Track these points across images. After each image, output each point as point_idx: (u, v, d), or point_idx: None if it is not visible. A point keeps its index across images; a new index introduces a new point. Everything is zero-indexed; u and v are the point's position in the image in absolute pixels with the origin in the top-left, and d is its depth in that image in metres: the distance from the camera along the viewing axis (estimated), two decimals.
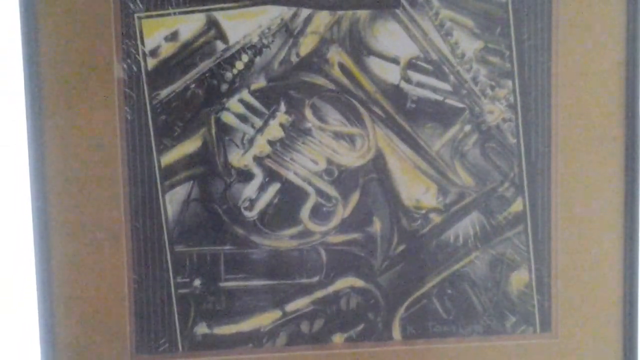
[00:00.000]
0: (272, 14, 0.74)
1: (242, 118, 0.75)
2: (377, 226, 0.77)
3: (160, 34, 0.73)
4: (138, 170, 0.74)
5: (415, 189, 0.77)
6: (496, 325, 0.79)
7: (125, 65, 0.73)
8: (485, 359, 0.79)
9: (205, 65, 0.74)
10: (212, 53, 0.74)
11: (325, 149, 0.76)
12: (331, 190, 0.76)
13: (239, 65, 0.74)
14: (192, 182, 0.75)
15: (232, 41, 0.74)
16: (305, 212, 0.76)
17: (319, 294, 0.77)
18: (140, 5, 0.72)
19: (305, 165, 0.76)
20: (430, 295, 0.78)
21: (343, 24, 0.75)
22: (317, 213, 0.76)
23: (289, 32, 0.74)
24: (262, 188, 0.76)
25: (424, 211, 0.77)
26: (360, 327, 0.78)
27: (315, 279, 0.77)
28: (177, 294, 0.76)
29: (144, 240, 0.74)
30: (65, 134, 0.73)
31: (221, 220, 0.75)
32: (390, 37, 0.75)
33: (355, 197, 0.77)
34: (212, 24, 0.73)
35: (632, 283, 0.78)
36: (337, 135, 0.76)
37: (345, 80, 0.75)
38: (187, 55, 0.73)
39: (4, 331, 0.77)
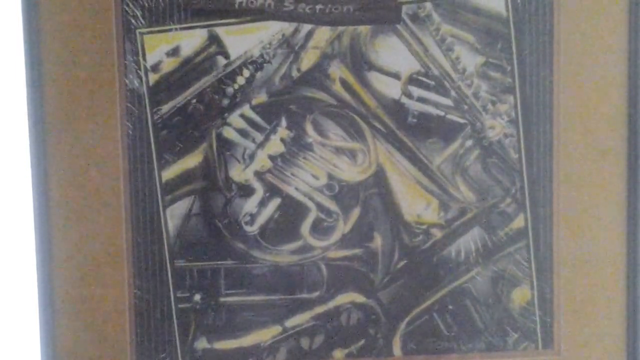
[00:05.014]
0: (273, 30, 0.74)
1: (243, 133, 0.75)
2: (378, 241, 0.77)
3: (161, 49, 0.73)
4: (139, 185, 0.74)
5: (416, 204, 0.77)
6: (498, 341, 0.78)
7: (127, 81, 0.73)
8: None
9: (206, 80, 0.74)
10: (213, 68, 0.74)
11: (326, 164, 0.76)
12: (332, 206, 0.76)
13: (240, 80, 0.74)
14: (193, 196, 0.75)
15: (233, 56, 0.74)
16: (305, 227, 0.76)
17: (320, 309, 0.77)
18: (142, 21, 0.73)
19: (306, 180, 0.76)
20: (432, 311, 0.78)
21: (344, 39, 0.75)
22: (318, 228, 0.76)
23: (290, 47, 0.74)
24: (263, 203, 0.76)
25: (425, 226, 0.77)
26: (361, 342, 0.78)
27: (316, 294, 0.77)
28: (177, 309, 0.76)
29: (144, 255, 0.75)
30: (67, 149, 0.73)
31: (222, 235, 0.75)
32: (391, 52, 0.75)
33: (356, 213, 0.76)
34: (214, 39, 0.74)
35: (636, 299, 0.78)
36: (338, 151, 0.76)
37: (346, 95, 0.75)
38: (188, 71, 0.74)
39: (5, 343, 0.77)
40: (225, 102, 0.74)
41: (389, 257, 0.77)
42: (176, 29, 0.73)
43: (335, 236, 0.76)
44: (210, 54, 0.74)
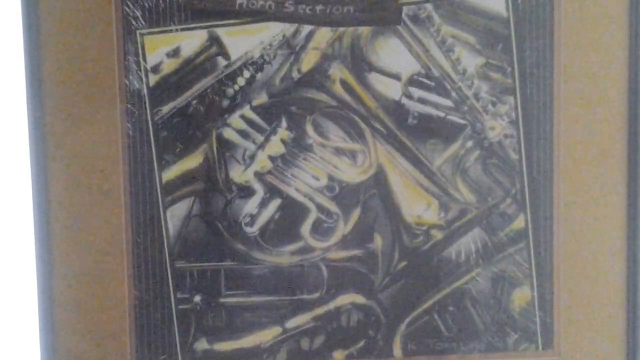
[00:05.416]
0: (274, 31, 0.74)
1: (244, 134, 0.75)
2: (378, 242, 0.77)
3: (162, 50, 0.73)
4: (139, 186, 0.74)
5: (417, 205, 0.77)
6: (498, 342, 0.79)
7: (127, 82, 0.73)
8: None
9: (206, 81, 0.74)
10: (213, 69, 0.74)
11: (326, 165, 0.76)
12: (332, 206, 0.76)
13: (241, 81, 0.74)
14: (193, 198, 0.75)
15: (233, 57, 0.74)
16: (306, 228, 0.76)
17: (320, 310, 0.77)
18: (143, 22, 0.72)
19: (306, 181, 0.76)
20: (432, 312, 0.78)
21: (344, 40, 0.75)
22: (318, 229, 0.76)
23: (290, 48, 0.74)
24: (263, 204, 0.76)
25: (425, 227, 0.77)
26: (361, 343, 0.78)
27: (316, 295, 0.77)
28: (177, 310, 0.76)
29: (144, 256, 0.75)
30: (67, 149, 0.73)
31: (222, 236, 0.75)
32: (392, 53, 0.75)
33: (356, 213, 0.76)
34: (214, 40, 0.73)
35: (636, 300, 0.78)
36: (338, 151, 0.76)
37: (346, 96, 0.75)
38: (188, 72, 0.74)
39: (5, 344, 0.77)
40: (226, 103, 0.74)
41: (389, 258, 0.77)
42: (176, 30, 0.73)
43: (336, 237, 0.76)
44: (211, 54, 0.74)
